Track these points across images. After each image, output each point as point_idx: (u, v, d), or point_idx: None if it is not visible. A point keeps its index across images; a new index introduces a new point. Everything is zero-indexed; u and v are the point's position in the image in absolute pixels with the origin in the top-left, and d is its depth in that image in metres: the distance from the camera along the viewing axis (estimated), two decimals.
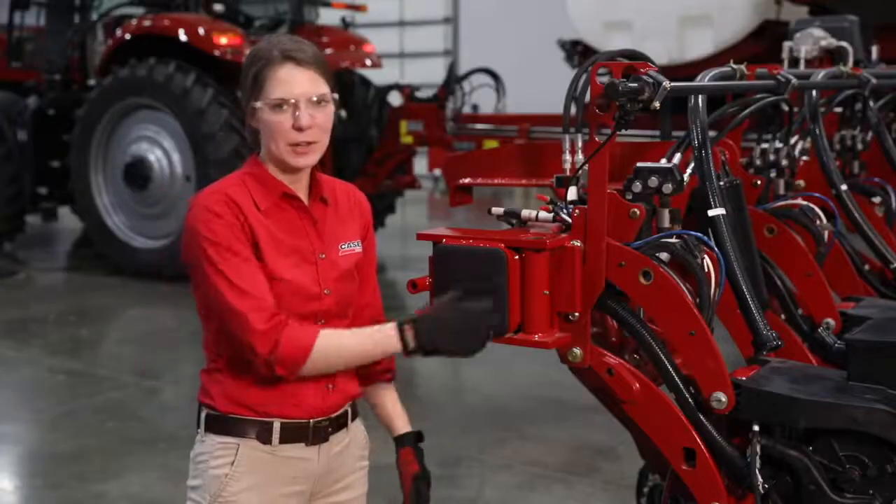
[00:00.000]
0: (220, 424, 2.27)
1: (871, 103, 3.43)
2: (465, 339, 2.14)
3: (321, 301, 2.27)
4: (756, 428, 2.15)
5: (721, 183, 2.42)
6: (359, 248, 2.39)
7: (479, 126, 9.64)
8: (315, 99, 2.20)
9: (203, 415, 2.30)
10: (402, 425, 2.52)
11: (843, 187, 3.02)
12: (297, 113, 2.18)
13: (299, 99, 2.18)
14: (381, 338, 2.18)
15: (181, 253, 2.26)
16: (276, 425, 2.26)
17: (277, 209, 2.25)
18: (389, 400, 2.52)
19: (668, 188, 2.19)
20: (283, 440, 2.27)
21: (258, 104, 2.20)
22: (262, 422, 2.26)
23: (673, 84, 2.13)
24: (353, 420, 2.43)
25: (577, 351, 2.24)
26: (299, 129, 2.18)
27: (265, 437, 2.26)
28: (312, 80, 2.20)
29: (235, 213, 2.18)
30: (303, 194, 2.30)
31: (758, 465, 2.12)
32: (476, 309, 2.13)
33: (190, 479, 2.33)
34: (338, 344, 2.20)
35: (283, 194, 2.26)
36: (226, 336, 2.21)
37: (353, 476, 2.45)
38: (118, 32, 9.67)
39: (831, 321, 2.78)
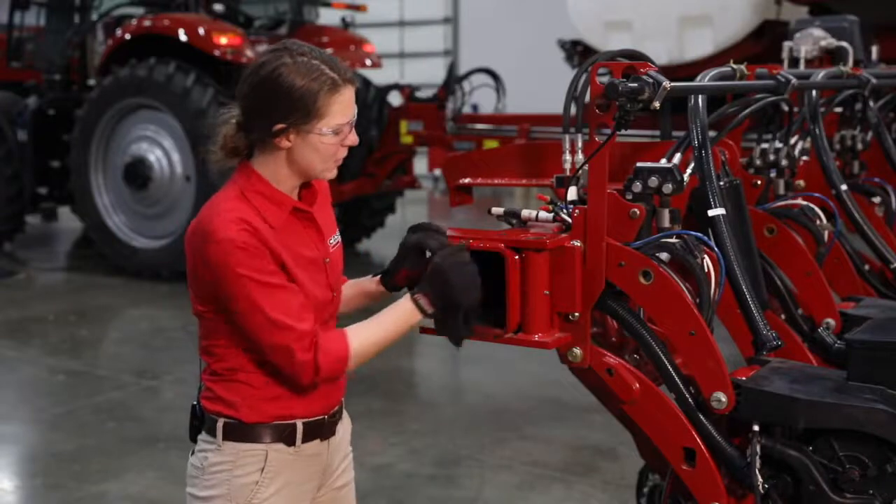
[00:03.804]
0: (244, 432, 2.26)
1: (871, 103, 3.43)
2: (467, 284, 2.17)
3: (333, 303, 2.31)
4: (756, 428, 2.15)
5: (721, 183, 2.42)
6: (340, 239, 2.40)
7: (479, 126, 9.64)
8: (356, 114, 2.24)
9: (220, 424, 2.26)
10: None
11: (843, 187, 3.02)
12: (349, 132, 2.21)
13: (353, 119, 2.21)
14: (402, 314, 2.21)
15: (188, 272, 2.22)
16: (299, 426, 2.28)
17: (287, 225, 2.22)
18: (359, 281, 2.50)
19: (668, 188, 2.19)
20: (304, 439, 2.29)
21: (323, 130, 2.14)
22: (284, 425, 2.27)
23: (673, 84, 2.13)
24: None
25: (577, 351, 2.24)
26: (347, 145, 2.22)
27: (290, 440, 2.27)
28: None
29: (259, 238, 2.14)
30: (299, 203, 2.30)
31: (758, 465, 2.13)
32: (452, 250, 2.19)
33: (200, 489, 2.29)
34: (372, 340, 2.22)
35: (293, 209, 2.23)
36: (244, 351, 2.22)
37: (346, 461, 2.49)
38: (118, 32, 9.66)
39: (831, 321, 2.78)
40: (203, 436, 2.30)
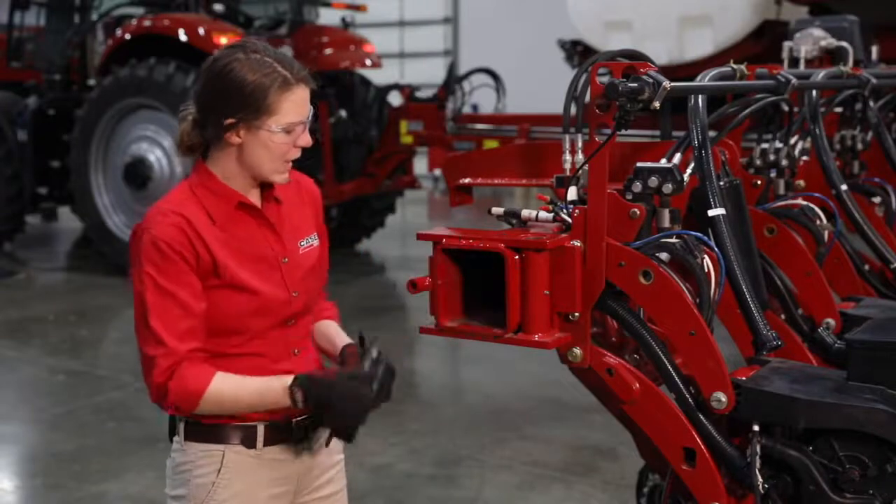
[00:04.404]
0: (203, 432, 2.25)
1: (871, 103, 3.43)
2: (344, 418, 2.16)
3: (291, 305, 2.27)
4: (756, 428, 2.15)
5: (721, 183, 2.42)
6: (316, 242, 2.38)
7: (479, 126, 9.64)
8: (311, 117, 2.22)
9: (182, 424, 2.28)
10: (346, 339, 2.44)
11: (843, 187, 3.02)
12: (302, 133, 2.19)
13: (306, 120, 2.20)
14: (273, 392, 2.16)
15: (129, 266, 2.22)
16: (260, 429, 2.26)
17: (233, 220, 2.21)
18: (333, 328, 2.46)
19: (668, 188, 2.19)
20: (266, 443, 2.27)
21: (273, 127, 2.14)
22: (245, 426, 2.25)
23: (673, 84, 2.13)
24: None
25: (577, 351, 2.24)
26: (299, 146, 2.20)
27: (250, 442, 2.26)
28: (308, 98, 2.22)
29: (188, 237, 2.13)
30: (256, 199, 2.27)
31: (758, 465, 2.13)
32: (361, 392, 2.14)
33: (170, 488, 2.31)
34: (230, 393, 2.17)
35: (238, 204, 2.22)
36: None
37: (332, 470, 2.45)
38: (118, 32, 9.67)
39: (831, 321, 2.78)
40: (175, 436, 2.32)
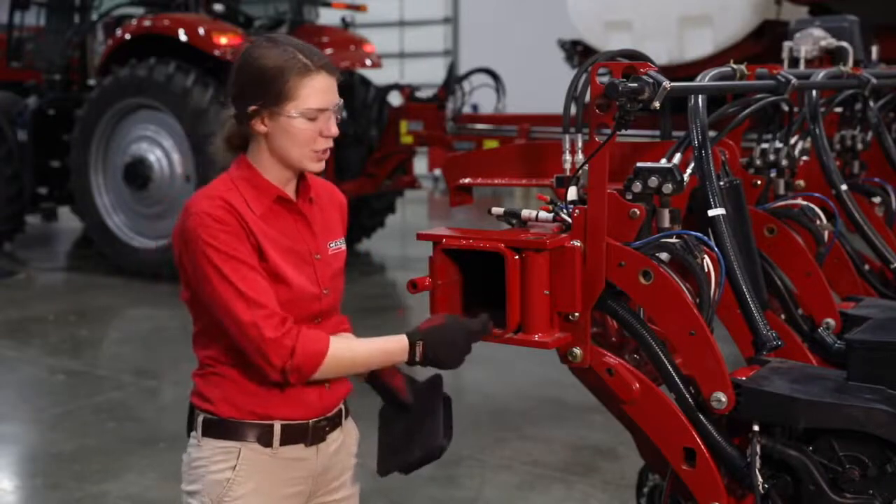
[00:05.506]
0: (220, 429, 2.26)
1: (871, 103, 3.43)
2: (460, 355, 2.24)
3: (321, 301, 2.29)
4: (756, 428, 2.15)
5: (721, 183, 2.42)
6: (344, 246, 2.41)
7: (479, 126, 9.64)
8: (339, 107, 2.25)
9: (200, 419, 2.28)
10: None
11: (843, 187, 3.02)
12: (328, 122, 2.22)
13: (332, 108, 2.22)
14: (391, 350, 2.22)
15: (174, 257, 2.24)
16: (277, 427, 2.26)
17: (272, 213, 2.24)
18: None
19: (668, 188, 2.19)
20: (283, 442, 2.27)
21: (292, 112, 2.17)
22: (262, 424, 2.26)
23: (673, 84, 2.13)
24: (346, 418, 2.44)
25: (577, 351, 2.24)
26: (327, 136, 2.22)
27: (266, 440, 2.26)
28: (336, 89, 2.24)
29: (237, 218, 2.16)
30: (291, 194, 2.30)
31: (758, 465, 2.13)
32: (476, 327, 2.22)
33: (185, 484, 2.32)
34: (350, 353, 2.23)
35: (277, 198, 2.25)
36: (225, 339, 2.20)
37: (348, 473, 2.46)
38: (118, 32, 9.67)
39: (831, 321, 2.78)
40: (192, 432, 2.32)
